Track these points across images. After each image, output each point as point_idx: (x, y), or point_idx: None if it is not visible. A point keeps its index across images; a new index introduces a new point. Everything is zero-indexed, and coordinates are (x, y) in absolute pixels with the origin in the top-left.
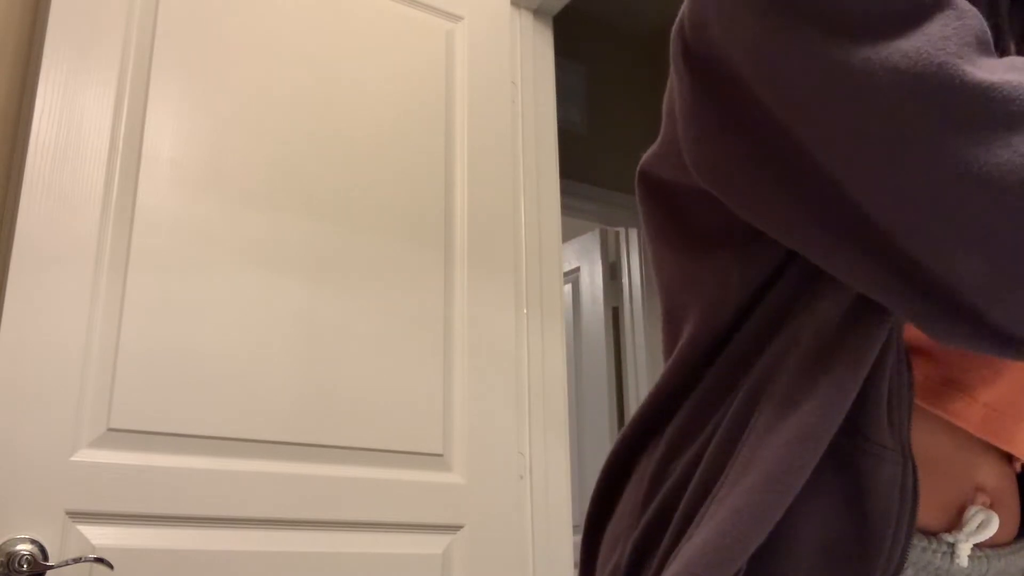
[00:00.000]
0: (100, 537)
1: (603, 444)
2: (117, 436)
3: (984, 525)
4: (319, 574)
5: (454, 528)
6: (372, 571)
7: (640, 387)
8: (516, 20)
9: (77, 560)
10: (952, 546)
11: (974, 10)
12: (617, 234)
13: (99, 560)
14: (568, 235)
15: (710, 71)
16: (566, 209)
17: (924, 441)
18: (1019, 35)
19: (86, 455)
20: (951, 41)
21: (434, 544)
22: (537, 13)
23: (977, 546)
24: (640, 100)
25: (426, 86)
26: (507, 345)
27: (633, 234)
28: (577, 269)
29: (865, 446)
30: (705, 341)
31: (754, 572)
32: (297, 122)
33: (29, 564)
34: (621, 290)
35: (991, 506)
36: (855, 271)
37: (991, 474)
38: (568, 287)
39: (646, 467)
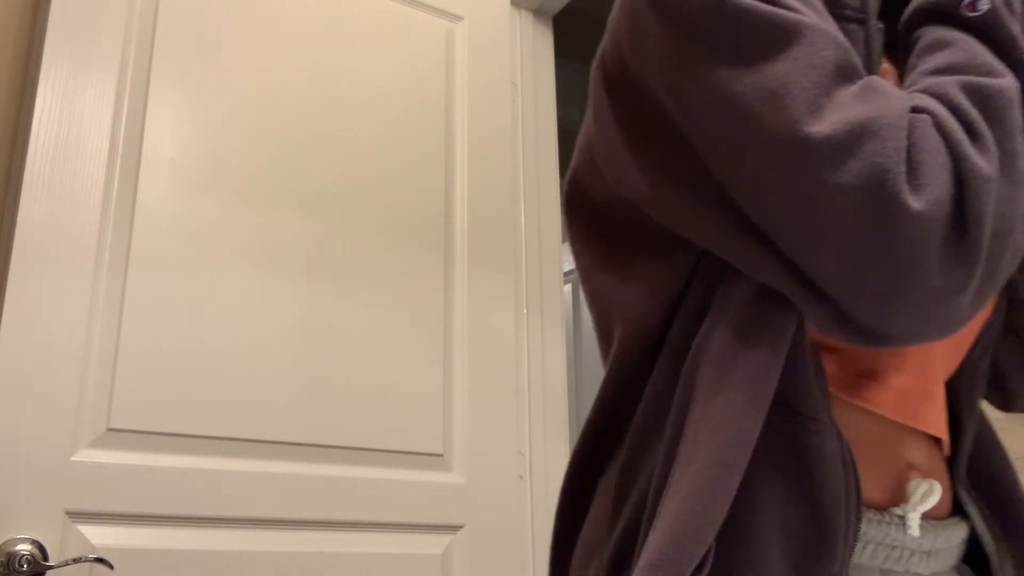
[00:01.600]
0: (100, 537)
1: None
2: (117, 436)
3: (927, 494)
4: (319, 574)
5: (454, 528)
6: (372, 571)
7: None
8: (516, 20)
9: (77, 560)
10: (902, 518)
11: (836, 34)
12: None
13: (99, 560)
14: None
15: (628, 96)
16: None
17: (853, 427)
18: (889, 47)
19: (86, 455)
20: (812, 72)
21: (434, 544)
22: (537, 13)
23: (923, 517)
24: None
25: (426, 86)
26: (507, 345)
27: None
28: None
29: (804, 423)
30: (637, 347)
31: (722, 558)
32: (297, 122)
33: (29, 564)
34: None
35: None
36: (754, 265)
37: (920, 454)
38: (568, 287)
39: (611, 479)
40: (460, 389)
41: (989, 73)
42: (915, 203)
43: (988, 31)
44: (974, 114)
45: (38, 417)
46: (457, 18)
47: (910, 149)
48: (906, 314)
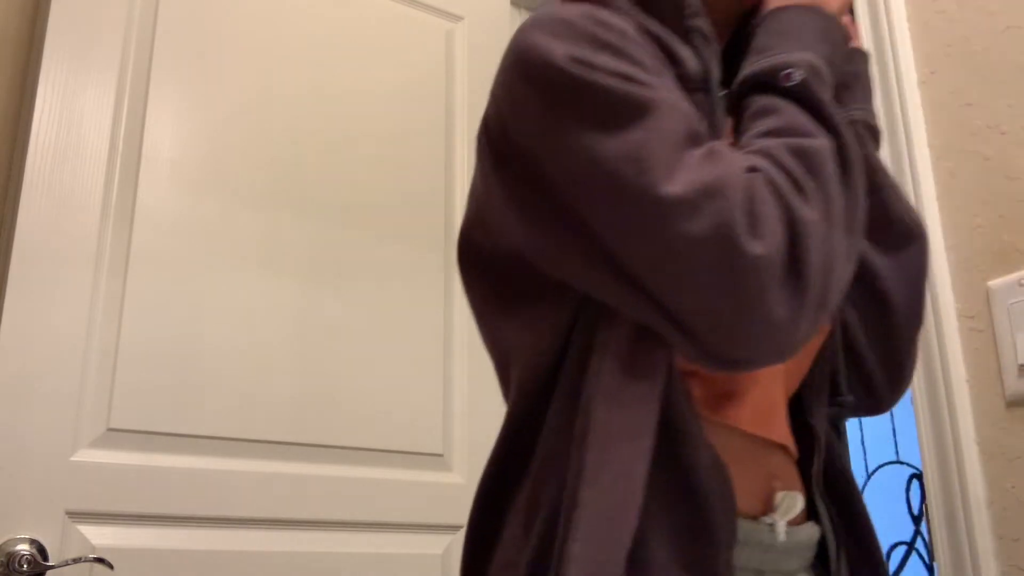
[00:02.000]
0: (100, 537)
1: None
2: (117, 436)
3: (791, 505)
4: (319, 574)
5: (454, 528)
6: (372, 571)
7: None
8: (516, 20)
9: (77, 560)
10: (772, 525)
11: (685, 106)
12: None
13: (99, 560)
14: None
15: (510, 157)
16: None
17: (720, 444)
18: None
19: (86, 455)
20: (666, 140)
21: (434, 544)
22: None
23: (787, 523)
24: None
25: (426, 86)
26: None
27: None
28: None
29: (682, 439)
30: (533, 385)
31: (630, 557)
32: (297, 122)
33: (29, 564)
34: None
35: (788, 482)
36: (628, 306)
37: (778, 464)
38: None
39: (520, 503)
40: (460, 389)
41: (807, 135)
42: (755, 249)
43: (803, 98)
44: (798, 171)
45: (38, 417)
46: (457, 18)
47: (749, 203)
48: (754, 343)
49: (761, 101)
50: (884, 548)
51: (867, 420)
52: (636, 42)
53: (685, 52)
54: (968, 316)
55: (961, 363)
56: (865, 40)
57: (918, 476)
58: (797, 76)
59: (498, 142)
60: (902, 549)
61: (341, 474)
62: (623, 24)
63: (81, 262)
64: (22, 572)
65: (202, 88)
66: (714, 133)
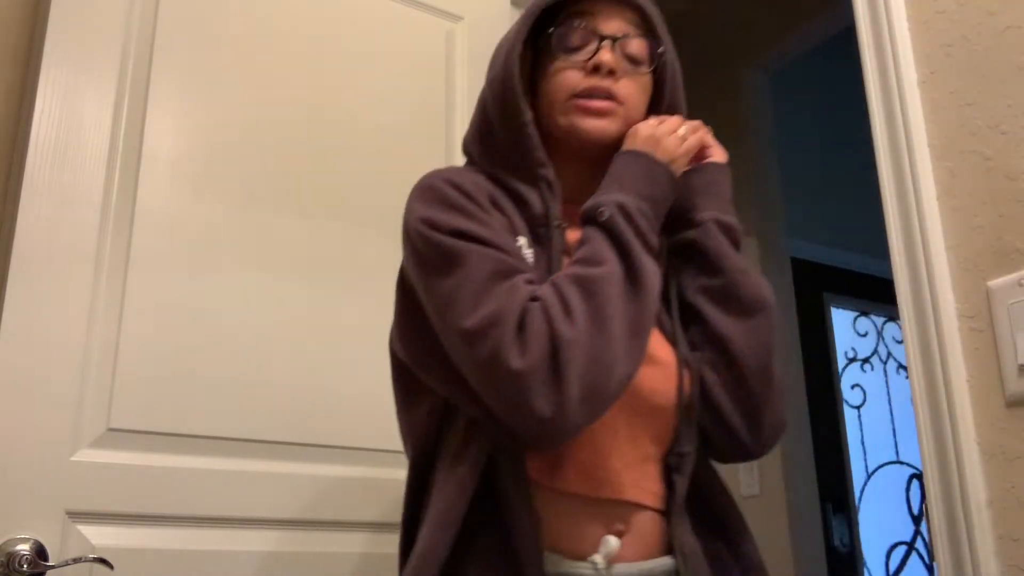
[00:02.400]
0: (100, 537)
1: None
2: (117, 436)
3: (610, 548)
4: (319, 574)
5: None
6: (372, 571)
7: None
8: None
9: (77, 560)
10: (594, 562)
11: (496, 253)
12: None
13: (99, 560)
14: None
15: (406, 291)
16: None
17: (551, 502)
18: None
19: (86, 455)
20: (470, 283)
21: None
22: None
23: (625, 560)
24: None
25: (426, 86)
26: None
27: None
28: None
29: (507, 498)
30: (422, 457)
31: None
32: (297, 122)
33: (29, 564)
34: None
35: (623, 534)
36: (464, 404)
37: (620, 514)
38: None
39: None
40: None
41: (597, 264)
42: (517, 364)
43: (609, 231)
44: (574, 298)
45: (38, 417)
46: (457, 18)
47: (520, 328)
48: (532, 432)
49: (586, 231)
50: (884, 548)
51: (867, 421)
52: (477, 200)
53: (533, 196)
54: (968, 316)
55: (961, 363)
56: (865, 40)
57: (918, 476)
58: (607, 213)
59: (402, 280)
60: (902, 549)
61: (341, 474)
62: (472, 185)
63: (81, 262)
64: (22, 572)
65: (202, 88)
66: (551, 254)
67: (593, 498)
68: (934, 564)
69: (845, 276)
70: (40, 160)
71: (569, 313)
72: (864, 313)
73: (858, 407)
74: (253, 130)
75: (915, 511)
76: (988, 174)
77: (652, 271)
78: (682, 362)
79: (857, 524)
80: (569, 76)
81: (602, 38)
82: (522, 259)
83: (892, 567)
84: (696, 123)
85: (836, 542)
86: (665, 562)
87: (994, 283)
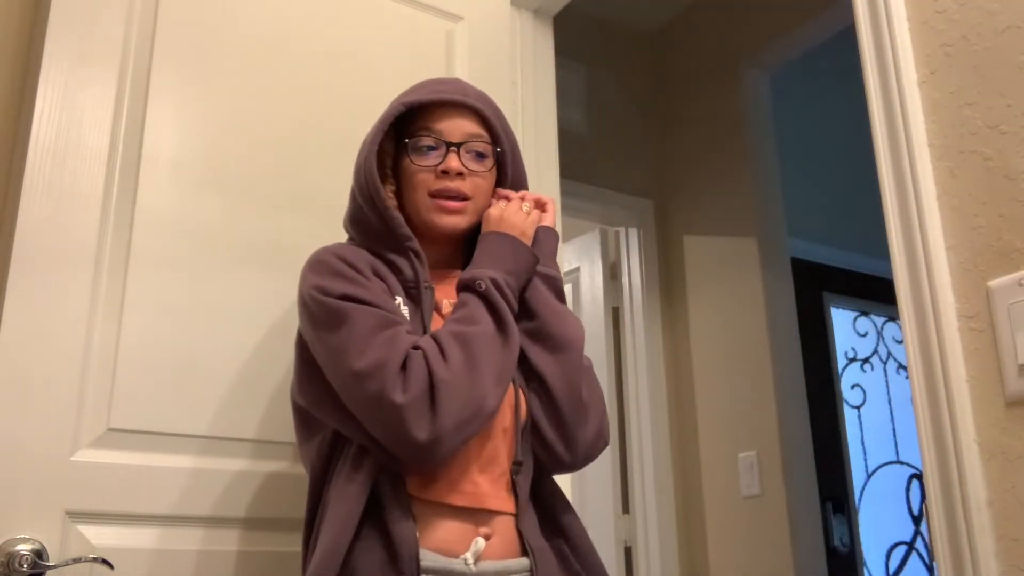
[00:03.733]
0: (100, 537)
1: None
2: (117, 436)
3: (478, 548)
4: None
5: None
6: None
7: (640, 386)
8: (516, 20)
9: (77, 560)
10: (465, 559)
11: (376, 311)
12: (617, 234)
13: (99, 560)
14: (568, 235)
15: (302, 346)
16: (566, 209)
17: (429, 511)
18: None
19: (86, 455)
20: (356, 335)
21: None
22: (537, 13)
23: (488, 557)
24: (640, 100)
25: None
26: None
27: (633, 234)
28: (577, 269)
29: (391, 515)
30: (317, 480)
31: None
32: (297, 122)
33: (29, 564)
34: (621, 290)
35: (490, 537)
36: (353, 434)
37: (484, 519)
38: (568, 287)
39: (315, 530)
40: None
41: (474, 323)
42: (399, 399)
43: (485, 299)
44: (451, 348)
45: (38, 417)
46: (457, 18)
47: (403, 367)
48: (411, 456)
49: (463, 296)
50: (884, 548)
51: (867, 421)
52: (360, 269)
53: (404, 264)
54: (968, 316)
55: (961, 363)
56: (865, 40)
57: (918, 476)
58: (483, 285)
59: (299, 337)
60: (902, 549)
61: None
62: (355, 257)
63: (81, 262)
64: (22, 572)
65: (202, 88)
66: (423, 313)
67: (461, 507)
68: (934, 564)
69: (845, 276)
70: (40, 160)
71: (446, 359)
72: (864, 313)
73: (858, 407)
74: (253, 130)
75: (915, 511)
76: (988, 174)
77: (515, 330)
78: (517, 393)
79: (857, 524)
80: (424, 178)
81: (448, 145)
82: (401, 315)
83: (892, 567)
84: (533, 196)
85: (836, 542)
86: (523, 561)
87: (994, 283)
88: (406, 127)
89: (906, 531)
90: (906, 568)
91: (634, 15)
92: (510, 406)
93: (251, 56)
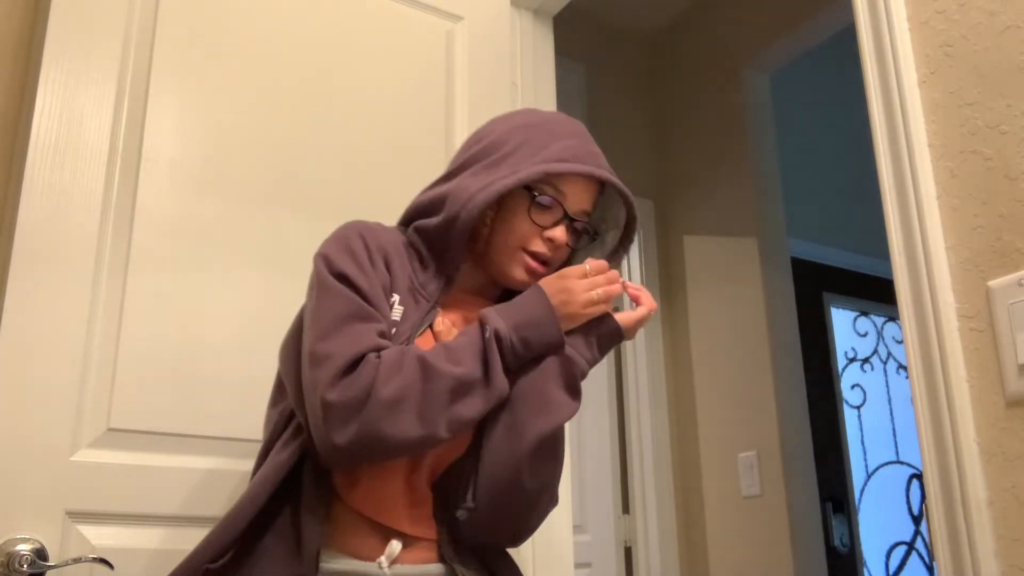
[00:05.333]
0: (100, 537)
1: (603, 443)
2: (117, 436)
3: (392, 552)
4: None
5: None
6: None
7: (640, 386)
8: (516, 20)
9: (77, 560)
10: (380, 563)
11: (352, 297)
12: None
13: (99, 560)
14: None
15: (301, 312)
16: None
17: (347, 513)
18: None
19: (86, 455)
20: (327, 316)
21: None
22: (537, 13)
23: (404, 563)
24: (640, 100)
25: (426, 86)
26: None
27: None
28: None
29: (304, 508)
30: (268, 442)
31: (242, 562)
32: (297, 122)
33: (29, 564)
34: None
35: (406, 542)
36: (298, 413)
37: (408, 526)
38: None
39: None
40: None
41: (456, 363)
42: (330, 396)
43: (485, 344)
44: (412, 372)
45: (38, 417)
46: (457, 18)
47: (351, 368)
48: (327, 454)
49: (470, 329)
50: (884, 548)
51: (867, 421)
52: (372, 256)
53: (431, 276)
54: (968, 316)
55: (961, 363)
56: (865, 40)
57: (918, 476)
58: (487, 333)
59: (303, 308)
60: (902, 549)
61: None
62: (375, 243)
63: (81, 262)
64: (22, 572)
65: (202, 88)
66: (417, 321)
67: (375, 520)
68: (934, 564)
69: (845, 276)
70: (40, 160)
71: (390, 380)
72: (864, 313)
73: (858, 407)
74: (253, 130)
75: (915, 511)
76: (988, 174)
77: (499, 389)
78: (469, 431)
79: (857, 524)
80: (528, 233)
81: (565, 216)
82: (387, 313)
83: (892, 567)
84: (633, 288)
85: (836, 542)
86: (431, 569)
87: (994, 283)
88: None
89: (906, 531)
90: (906, 568)
91: (634, 15)
92: (449, 444)
93: (251, 56)
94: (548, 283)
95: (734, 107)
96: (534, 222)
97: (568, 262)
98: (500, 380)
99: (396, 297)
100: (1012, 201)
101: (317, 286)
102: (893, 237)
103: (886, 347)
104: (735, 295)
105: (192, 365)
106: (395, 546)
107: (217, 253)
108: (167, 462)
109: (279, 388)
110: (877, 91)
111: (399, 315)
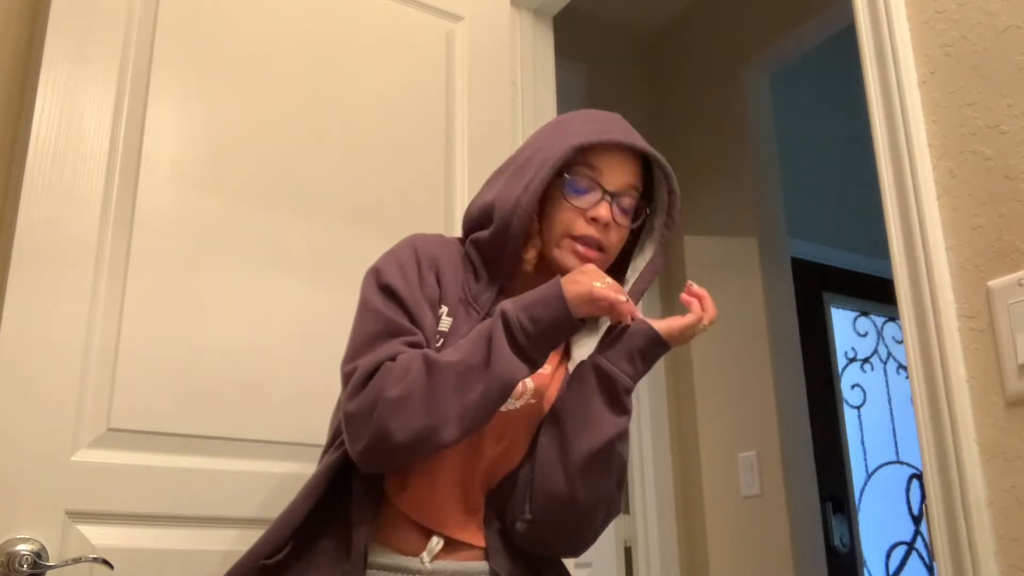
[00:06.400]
0: (100, 537)
1: None
2: (117, 436)
3: (433, 548)
4: None
5: None
6: None
7: (640, 386)
8: (516, 20)
9: (77, 560)
10: (421, 558)
11: (393, 316)
12: None
13: (99, 560)
14: None
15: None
16: None
17: (400, 519)
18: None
19: (86, 455)
20: (361, 335)
21: None
22: (537, 13)
23: (448, 558)
24: (640, 100)
25: (426, 86)
26: None
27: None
28: None
29: (356, 508)
30: (328, 445)
31: (298, 556)
32: (297, 122)
33: (29, 564)
34: None
35: (450, 544)
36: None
37: (455, 531)
38: None
39: None
40: None
41: (455, 354)
42: (348, 407)
43: (495, 329)
44: (417, 370)
45: (38, 417)
46: (457, 18)
47: (365, 380)
48: (356, 460)
49: (487, 320)
50: (884, 548)
51: (867, 420)
52: (422, 272)
53: (484, 287)
54: (968, 316)
55: (961, 363)
56: (865, 40)
57: (918, 476)
58: (495, 315)
59: None
60: (902, 549)
61: None
62: (428, 259)
63: (81, 262)
64: (22, 572)
65: (202, 88)
66: (468, 330)
67: (422, 524)
68: (934, 564)
69: (845, 276)
70: (40, 160)
71: (404, 379)
72: (864, 313)
73: (858, 407)
74: (253, 130)
75: (915, 511)
76: (988, 174)
77: (506, 372)
78: (525, 445)
79: (857, 524)
80: (571, 218)
81: (605, 192)
82: (428, 324)
83: (892, 567)
84: (699, 295)
85: (836, 542)
86: (483, 565)
87: (994, 283)
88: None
89: (906, 531)
90: (906, 568)
91: (634, 15)
92: (508, 452)
93: (251, 56)
94: (569, 277)
95: (734, 107)
96: (574, 206)
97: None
98: (504, 362)
99: (445, 308)
100: (1012, 201)
101: (360, 303)
102: (893, 237)
103: (886, 347)
104: (735, 295)
105: (192, 365)
106: (436, 542)
107: (217, 253)
108: (167, 462)
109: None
110: (877, 91)
111: (447, 326)
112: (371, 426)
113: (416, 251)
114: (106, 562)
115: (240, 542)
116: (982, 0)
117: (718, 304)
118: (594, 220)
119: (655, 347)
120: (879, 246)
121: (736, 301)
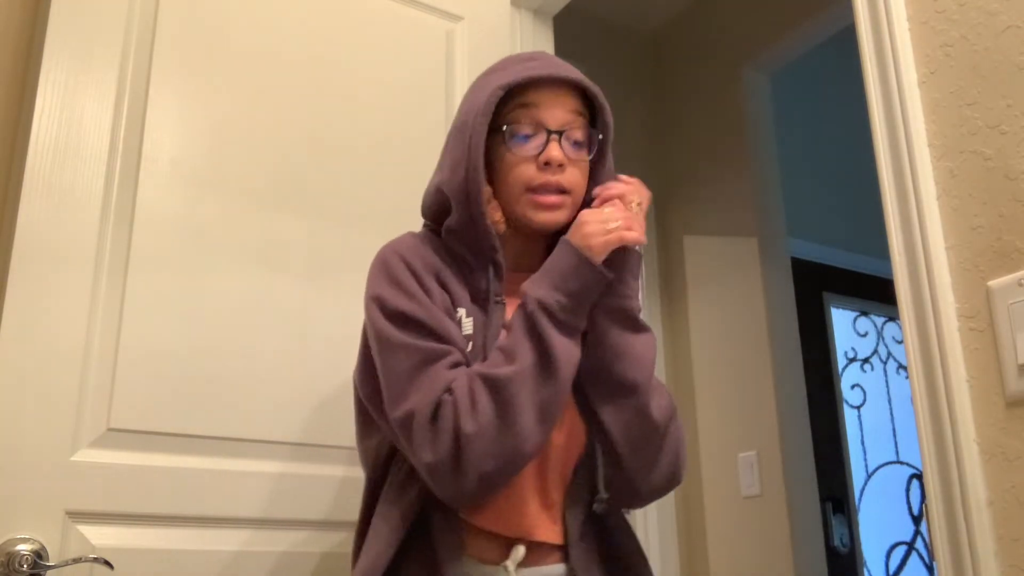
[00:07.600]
0: (100, 537)
1: None
2: (117, 436)
3: (516, 557)
4: (320, 574)
5: None
6: None
7: None
8: (516, 20)
9: (77, 560)
10: (506, 567)
11: (422, 344)
12: None
13: (99, 560)
14: None
15: (364, 349)
16: None
17: (483, 536)
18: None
19: (86, 455)
20: (395, 373)
21: None
22: (537, 13)
23: (529, 565)
24: (640, 100)
25: (426, 86)
26: None
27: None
28: None
29: (439, 537)
30: (373, 480)
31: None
32: (297, 122)
33: (29, 564)
34: None
35: (529, 547)
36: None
37: (537, 534)
38: None
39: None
40: None
41: (511, 360)
42: (428, 458)
43: (529, 321)
44: (482, 396)
45: (38, 417)
46: (457, 18)
47: (434, 419)
48: (445, 500)
49: (514, 317)
50: (884, 548)
51: (867, 420)
52: (421, 279)
53: (480, 273)
54: (968, 316)
55: (961, 363)
56: (865, 40)
57: (918, 476)
58: (529, 308)
59: (363, 340)
60: (902, 549)
61: (341, 474)
62: (420, 261)
63: (81, 262)
64: (22, 572)
65: (202, 88)
66: (491, 324)
67: (508, 536)
68: (934, 564)
69: (845, 276)
70: (40, 160)
71: (475, 409)
72: (864, 313)
73: (858, 407)
74: (253, 130)
75: (915, 511)
76: (988, 174)
77: (565, 356)
78: (581, 424)
79: (857, 524)
80: (523, 170)
81: (549, 132)
82: (456, 335)
83: (892, 567)
84: (643, 194)
85: (836, 542)
86: (556, 569)
87: (994, 283)
88: (497, 111)
89: (906, 531)
90: (906, 568)
91: (634, 15)
92: (570, 438)
93: (251, 56)
94: (570, 233)
95: (734, 107)
96: (523, 155)
97: None
98: (561, 349)
99: (461, 311)
100: (1012, 201)
101: (377, 339)
102: (893, 237)
103: (886, 347)
104: (735, 295)
105: (192, 365)
106: (520, 551)
107: (217, 253)
108: (167, 462)
109: (364, 419)
110: (877, 91)
111: (471, 327)
112: (462, 470)
113: (406, 262)
114: (106, 562)
115: (240, 542)
116: (982, 0)
117: (718, 304)
118: (547, 165)
119: (624, 254)
120: (879, 246)
121: (736, 301)
